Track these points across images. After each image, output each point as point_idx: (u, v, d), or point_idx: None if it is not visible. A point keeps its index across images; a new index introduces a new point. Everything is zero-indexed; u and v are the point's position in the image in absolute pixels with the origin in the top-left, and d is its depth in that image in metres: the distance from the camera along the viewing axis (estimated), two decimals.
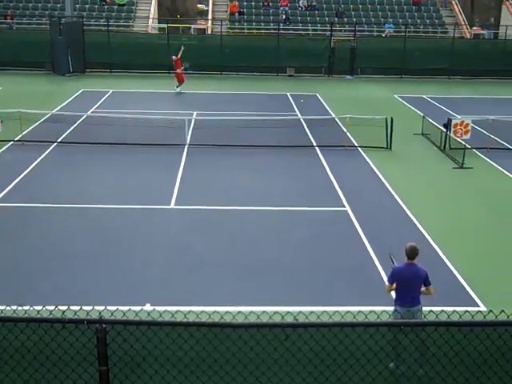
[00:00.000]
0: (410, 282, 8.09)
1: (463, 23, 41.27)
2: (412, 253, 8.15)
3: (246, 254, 12.56)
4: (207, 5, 43.27)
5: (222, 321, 5.13)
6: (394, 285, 8.21)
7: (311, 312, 5.81)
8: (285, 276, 11.67)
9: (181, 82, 30.30)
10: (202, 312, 6.25)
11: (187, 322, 5.17)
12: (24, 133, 20.55)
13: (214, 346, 5.28)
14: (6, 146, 19.88)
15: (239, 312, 5.76)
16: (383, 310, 5.96)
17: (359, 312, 5.44)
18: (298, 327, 5.21)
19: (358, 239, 13.29)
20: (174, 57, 30.29)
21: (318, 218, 14.62)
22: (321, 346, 5.24)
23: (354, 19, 39.70)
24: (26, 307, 7.44)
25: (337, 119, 23.38)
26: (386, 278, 11.42)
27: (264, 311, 5.71)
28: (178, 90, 30.31)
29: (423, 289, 8.20)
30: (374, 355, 5.27)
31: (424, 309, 5.78)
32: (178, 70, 30.28)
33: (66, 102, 27.13)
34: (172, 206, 15.17)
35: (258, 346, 5.25)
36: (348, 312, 5.41)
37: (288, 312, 5.81)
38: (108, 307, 5.87)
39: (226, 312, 5.60)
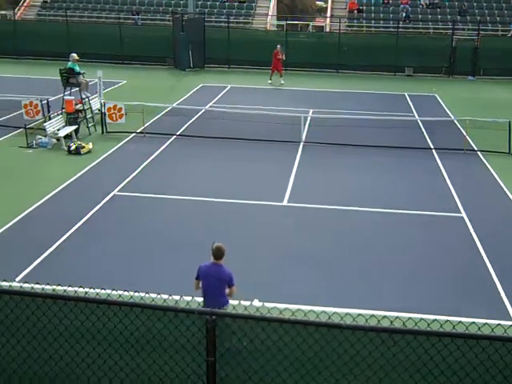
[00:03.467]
0: (213, 282, 7.93)
1: None
2: (218, 253, 8.00)
3: (356, 256, 12.45)
4: (326, 2, 43.17)
5: (330, 321, 5.11)
6: (201, 283, 8.11)
7: (421, 319, 5.69)
8: (393, 280, 11.47)
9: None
10: (309, 311, 6.27)
11: (295, 320, 5.20)
12: (146, 125, 21.35)
13: (321, 346, 5.28)
14: (129, 138, 20.74)
15: (347, 314, 5.74)
16: (498, 324, 5.72)
17: (472, 323, 5.27)
18: (407, 334, 5.11)
19: (474, 247, 12.82)
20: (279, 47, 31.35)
21: (431, 223, 14.23)
22: (430, 355, 5.12)
23: (478, 17, 38.21)
24: (142, 293, 7.76)
25: (456, 121, 22.66)
26: (501, 289, 11.01)
27: (373, 315, 5.66)
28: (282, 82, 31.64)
29: (227, 290, 8.01)
30: (485, 370, 5.08)
31: None
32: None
33: (186, 96, 27.94)
34: (285, 203, 15.27)
35: (365, 349, 5.21)
36: (459, 322, 5.25)
37: (397, 317, 5.71)
38: None
39: (334, 313, 5.59)
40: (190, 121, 22.85)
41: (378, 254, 12.50)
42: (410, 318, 5.91)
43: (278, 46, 31.48)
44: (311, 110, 24.69)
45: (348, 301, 10.45)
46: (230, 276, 8.04)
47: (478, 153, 19.71)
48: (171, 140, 20.56)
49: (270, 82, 31.80)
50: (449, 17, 38.77)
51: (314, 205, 15.08)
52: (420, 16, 39.63)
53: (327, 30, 40.38)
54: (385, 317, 5.56)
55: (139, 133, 21.03)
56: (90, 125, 21.33)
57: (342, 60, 35.64)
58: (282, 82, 31.68)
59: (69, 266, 11.64)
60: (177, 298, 8.15)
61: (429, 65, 35.40)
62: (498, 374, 5.05)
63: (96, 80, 23.36)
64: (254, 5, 41.43)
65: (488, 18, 38.94)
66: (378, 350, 5.17)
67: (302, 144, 20.27)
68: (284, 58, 31.64)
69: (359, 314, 5.54)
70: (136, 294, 7.56)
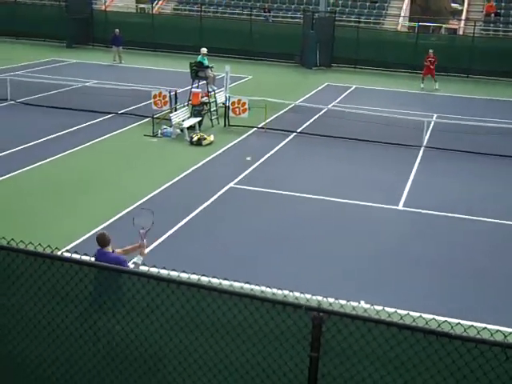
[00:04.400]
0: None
1: None
2: (107, 239, 8.47)
3: (472, 266, 12.05)
4: (462, 4, 41.80)
5: (439, 329, 4.98)
6: None
7: None
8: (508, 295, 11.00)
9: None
10: (418, 317, 6.13)
11: (402, 324, 5.11)
12: (267, 120, 21.61)
13: (428, 354, 5.15)
14: (251, 132, 21.10)
15: (458, 323, 5.57)
16: None
17: None
18: None
19: None
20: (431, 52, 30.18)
21: None
22: None
23: None
24: (253, 286, 7.89)
25: None
26: None
27: (485, 327, 5.46)
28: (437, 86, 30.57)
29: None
30: None
31: None
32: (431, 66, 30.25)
33: (310, 94, 28.00)
34: (400, 207, 14.99)
35: (474, 362, 5.03)
36: None
37: (511, 333, 5.48)
38: (327, 298, 6.00)
39: (444, 321, 5.45)
40: (312, 119, 22.89)
41: (491, 266, 12.06)
42: None
43: (430, 51, 30.46)
44: (435, 115, 24.03)
45: (459, 311, 10.12)
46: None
47: None
48: (291, 137, 20.70)
49: (422, 86, 30.78)
50: None
51: (431, 211, 14.68)
52: None
53: (461, 33, 39.11)
54: (498, 331, 5.34)
55: (260, 128, 21.32)
56: (213, 117, 21.88)
57: (474, 65, 34.38)
58: (437, 87, 30.55)
59: (183, 252, 12.02)
60: (286, 292, 8.23)
61: None
62: None
63: (223, 74, 23.89)
64: (386, 5, 40.83)
65: None
66: (488, 363, 4.97)
67: (422, 149, 19.78)
68: (428, 63, 30.42)
69: (471, 325, 5.34)
70: (246, 285, 7.72)
